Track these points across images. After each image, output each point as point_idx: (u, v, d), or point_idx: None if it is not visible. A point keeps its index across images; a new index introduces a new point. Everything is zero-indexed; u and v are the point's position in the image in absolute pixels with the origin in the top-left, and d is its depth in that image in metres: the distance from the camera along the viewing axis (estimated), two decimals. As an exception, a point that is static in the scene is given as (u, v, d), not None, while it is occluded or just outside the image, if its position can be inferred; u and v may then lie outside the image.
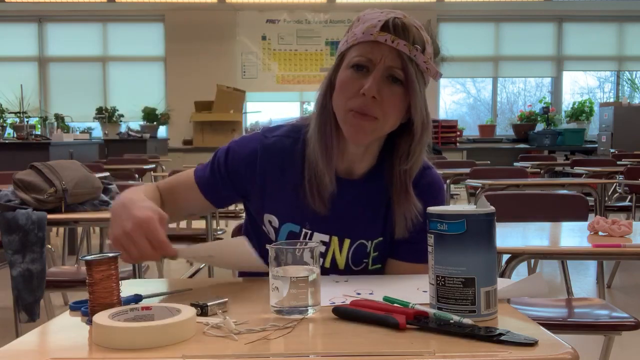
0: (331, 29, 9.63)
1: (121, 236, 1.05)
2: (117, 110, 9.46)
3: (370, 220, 1.27)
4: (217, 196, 1.31)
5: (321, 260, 1.25)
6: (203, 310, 0.93)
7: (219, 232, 3.54)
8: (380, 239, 1.28)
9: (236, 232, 1.67)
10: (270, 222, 1.27)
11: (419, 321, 0.86)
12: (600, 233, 1.87)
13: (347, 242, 1.27)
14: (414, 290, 1.08)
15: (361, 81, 1.15)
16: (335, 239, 1.26)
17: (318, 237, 1.26)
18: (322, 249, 1.26)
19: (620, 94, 10.21)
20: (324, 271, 1.24)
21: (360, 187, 1.27)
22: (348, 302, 0.97)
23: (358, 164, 1.27)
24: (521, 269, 4.03)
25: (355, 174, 1.27)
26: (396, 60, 1.15)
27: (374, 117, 1.16)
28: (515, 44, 9.95)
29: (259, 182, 1.27)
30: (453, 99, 10.43)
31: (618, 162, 6.05)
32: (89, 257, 0.91)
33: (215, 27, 9.55)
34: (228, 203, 1.36)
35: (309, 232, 1.26)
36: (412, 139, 1.23)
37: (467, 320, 0.85)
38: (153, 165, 6.70)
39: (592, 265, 4.55)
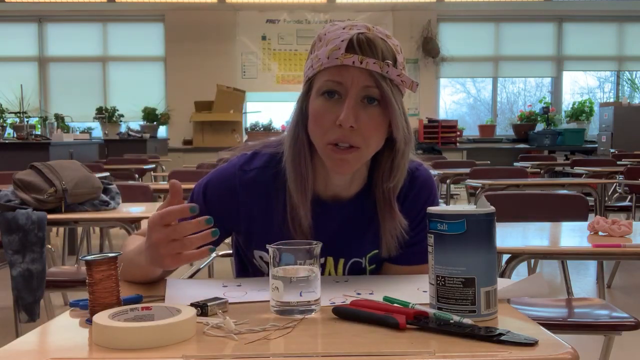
0: (331, 29, 9.62)
1: (163, 253, 0.97)
2: (117, 110, 9.46)
3: (362, 237, 1.24)
4: None
5: None
6: (203, 310, 0.93)
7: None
8: (375, 251, 1.25)
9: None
10: (261, 257, 1.25)
11: (419, 321, 0.86)
12: (600, 233, 1.88)
13: (341, 261, 1.25)
14: (414, 290, 1.08)
15: (335, 110, 1.09)
16: (330, 259, 1.24)
17: None
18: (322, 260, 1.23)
19: (620, 94, 10.21)
20: None
21: (349, 207, 1.23)
22: (348, 302, 0.97)
23: (346, 190, 1.22)
24: (521, 269, 4.03)
25: (344, 198, 1.23)
26: (368, 81, 1.08)
27: (356, 147, 1.10)
28: (515, 44, 9.95)
29: (244, 220, 1.23)
30: (453, 99, 10.43)
31: (618, 162, 6.05)
32: (89, 257, 0.91)
33: (215, 27, 9.55)
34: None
35: None
36: (394, 155, 1.16)
37: (467, 320, 0.85)
38: (153, 166, 6.70)
39: (592, 265, 4.55)
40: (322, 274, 1.23)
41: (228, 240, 1.46)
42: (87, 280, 0.91)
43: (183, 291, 1.09)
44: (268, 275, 1.12)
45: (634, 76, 10.41)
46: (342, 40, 1.08)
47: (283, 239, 1.08)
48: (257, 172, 1.22)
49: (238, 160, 1.24)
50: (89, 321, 0.89)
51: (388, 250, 1.21)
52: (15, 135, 6.79)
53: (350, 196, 1.23)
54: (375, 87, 1.08)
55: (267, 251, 1.17)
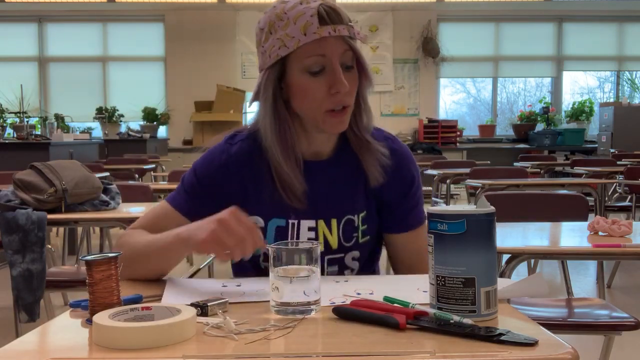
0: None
1: (215, 229, 1.03)
2: (117, 110, 9.46)
3: (351, 195, 1.30)
4: (199, 216, 1.25)
5: None
6: (203, 310, 0.93)
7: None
8: (365, 212, 1.31)
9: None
10: (255, 224, 1.28)
11: (419, 321, 0.86)
12: (600, 233, 1.87)
13: (334, 221, 1.29)
14: (414, 290, 1.08)
15: (323, 82, 1.19)
16: (321, 222, 1.29)
17: (305, 224, 1.29)
18: (312, 233, 1.29)
19: (620, 94, 10.20)
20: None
21: (333, 166, 1.30)
22: (348, 302, 0.97)
23: (326, 145, 1.31)
24: (521, 269, 4.02)
25: (325, 155, 1.31)
26: (344, 46, 1.19)
27: (348, 105, 1.22)
28: (515, 44, 9.95)
29: (238, 186, 1.29)
30: (453, 99, 10.43)
31: (618, 162, 6.05)
32: (89, 257, 0.91)
33: (215, 27, 9.55)
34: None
35: (295, 222, 1.28)
36: (362, 99, 1.27)
37: (467, 320, 0.85)
38: (153, 166, 6.69)
39: (592, 265, 4.55)
40: (316, 237, 1.28)
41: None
42: (87, 280, 0.91)
43: (183, 291, 1.09)
44: (264, 239, 1.18)
45: (634, 76, 10.41)
46: (312, 15, 1.16)
47: (274, 205, 1.23)
48: (242, 142, 1.30)
49: (223, 139, 1.33)
50: (89, 321, 0.89)
51: (376, 179, 1.29)
52: (15, 135, 6.79)
53: (330, 152, 1.31)
54: (350, 50, 1.19)
55: (261, 214, 1.26)
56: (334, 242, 1.29)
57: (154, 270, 1.19)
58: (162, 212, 1.31)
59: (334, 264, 1.31)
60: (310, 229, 1.28)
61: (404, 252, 1.36)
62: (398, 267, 1.38)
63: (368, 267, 1.38)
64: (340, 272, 1.32)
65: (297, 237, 1.28)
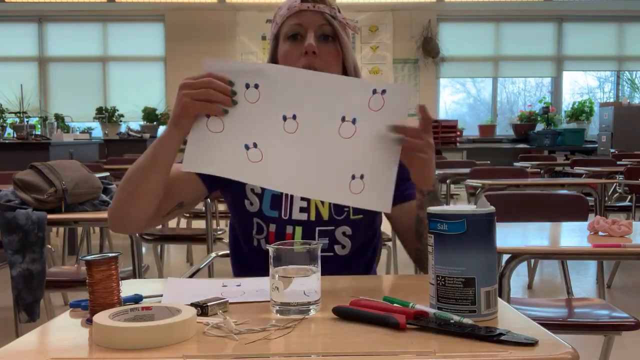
0: (331, 29, 9.62)
1: (181, 93, 1.12)
2: (117, 110, 9.46)
3: None
4: (208, 176, 1.32)
5: (305, 214, 1.35)
6: (203, 310, 0.93)
7: (219, 232, 3.54)
8: None
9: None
10: (252, 190, 1.36)
11: (419, 321, 0.86)
12: (600, 233, 1.87)
13: None
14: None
15: (300, 47, 1.33)
16: None
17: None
18: (305, 203, 1.36)
19: (620, 94, 10.20)
20: (311, 223, 1.35)
21: None
22: (348, 302, 0.97)
23: None
24: (521, 269, 4.03)
25: None
26: (322, 21, 1.34)
27: (320, 70, 1.31)
28: (515, 44, 9.95)
29: None
30: (453, 99, 10.43)
31: (618, 162, 6.05)
32: (89, 257, 0.91)
33: (215, 27, 9.55)
34: (217, 185, 1.37)
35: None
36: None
37: (467, 320, 0.85)
38: (153, 165, 6.68)
39: (592, 265, 4.55)
40: (309, 207, 1.34)
41: (227, 239, 1.47)
42: (87, 280, 0.91)
43: (183, 291, 1.09)
44: (260, 209, 1.33)
45: (634, 76, 10.41)
46: None
47: None
48: None
49: None
50: (89, 321, 0.89)
51: None
52: (15, 135, 6.79)
53: None
54: (329, 25, 1.34)
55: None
56: (325, 212, 1.35)
57: (155, 179, 1.22)
58: (174, 172, 1.32)
59: (325, 236, 1.35)
60: (302, 198, 1.35)
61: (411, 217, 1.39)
62: (406, 236, 1.39)
63: (365, 264, 1.41)
64: (331, 246, 1.35)
65: (291, 204, 1.34)
